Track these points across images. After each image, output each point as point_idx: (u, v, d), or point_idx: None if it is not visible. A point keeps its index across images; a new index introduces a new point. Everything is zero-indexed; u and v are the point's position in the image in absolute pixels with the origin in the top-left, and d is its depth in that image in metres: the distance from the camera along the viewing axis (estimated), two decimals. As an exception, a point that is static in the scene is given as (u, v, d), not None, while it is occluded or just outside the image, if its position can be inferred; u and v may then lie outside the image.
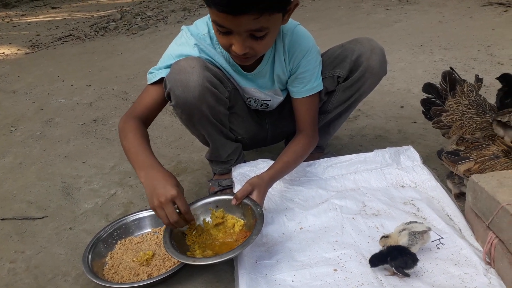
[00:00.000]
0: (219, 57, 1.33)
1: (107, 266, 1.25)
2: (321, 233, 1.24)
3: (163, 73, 1.28)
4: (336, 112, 1.51)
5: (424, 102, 1.62)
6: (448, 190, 1.37)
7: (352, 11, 4.45)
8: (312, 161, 1.54)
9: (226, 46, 1.16)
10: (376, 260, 1.07)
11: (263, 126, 1.59)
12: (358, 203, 1.34)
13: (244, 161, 1.56)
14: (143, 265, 1.23)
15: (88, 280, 1.20)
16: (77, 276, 1.26)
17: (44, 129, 2.36)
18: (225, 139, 1.45)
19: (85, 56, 3.96)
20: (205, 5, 1.09)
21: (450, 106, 1.51)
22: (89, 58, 3.85)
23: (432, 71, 2.53)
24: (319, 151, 1.64)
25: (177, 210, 1.11)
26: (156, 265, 1.23)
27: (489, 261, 1.07)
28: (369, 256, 1.10)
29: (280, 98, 1.48)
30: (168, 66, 1.28)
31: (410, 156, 1.52)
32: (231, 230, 1.23)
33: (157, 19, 5.30)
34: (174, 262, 1.22)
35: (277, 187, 1.43)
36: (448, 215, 1.27)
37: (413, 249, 1.08)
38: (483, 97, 1.52)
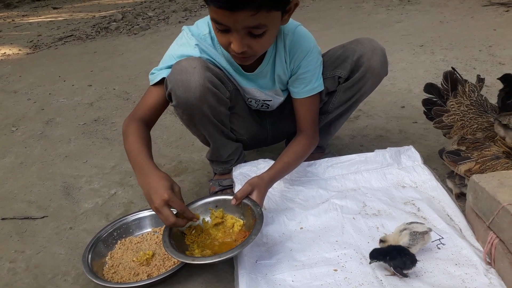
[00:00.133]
0: (220, 57, 1.33)
1: (107, 266, 1.25)
2: (321, 233, 1.24)
3: (164, 74, 1.28)
4: (337, 113, 1.51)
5: (425, 102, 1.62)
6: (449, 190, 1.37)
7: (353, 11, 4.45)
8: (312, 161, 1.53)
9: (225, 44, 1.16)
10: (377, 254, 1.07)
11: (263, 126, 1.59)
12: (358, 203, 1.34)
13: (245, 161, 1.56)
14: (143, 265, 1.23)
15: (88, 280, 1.20)
16: (77, 276, 1.26)
17: (45, 129, 2.37)
18: (225, 139, 1.45)
19: (86, 56, 3.97)
20: (206, 5, 1.09)
21: (452, 106, 1.50)
22: (90, 58, 3.86)
23: (433, 71, 2.53)
24: (320, 151, 1.64)
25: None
26: (156, 265, 1.23)
27: (489, 261, 1.06)
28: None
29: (280, 99, 1.48)
30: (169, 67, 1.28)
31: (411, 156, 1.51)
32: (231, 230, 1.23)
33: (158, 19, 5.31)
34: (174, 262, 1.22)
35: (278, 187, 1.43)
36: (448, 215, 1.26)
37: (413, 250, 1.07)
38: (485, 97, 1.51)
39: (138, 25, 5.06)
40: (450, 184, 1.37)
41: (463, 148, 1.38)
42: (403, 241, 1.08)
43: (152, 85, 1.32)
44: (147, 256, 1.24)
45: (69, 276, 1.27)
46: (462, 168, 1.31)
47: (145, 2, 6.79)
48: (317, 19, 4.29)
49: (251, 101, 1.47)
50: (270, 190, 1.31)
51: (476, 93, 1.50)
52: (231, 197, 1.24)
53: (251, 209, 1.20)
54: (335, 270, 1.10)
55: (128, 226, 1.37)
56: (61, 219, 1.55)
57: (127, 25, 5.16)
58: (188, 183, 1.69)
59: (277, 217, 1.32)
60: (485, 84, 1.64)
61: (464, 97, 1.49)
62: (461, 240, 1.14)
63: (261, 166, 1.49)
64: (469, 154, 1.33)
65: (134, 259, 1.25)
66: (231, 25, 1.07)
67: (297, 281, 1.08)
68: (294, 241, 1.22)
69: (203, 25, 1.33)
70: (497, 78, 1.52)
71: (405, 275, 1.04)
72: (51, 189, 1.76)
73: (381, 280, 1.05)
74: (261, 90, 1.41)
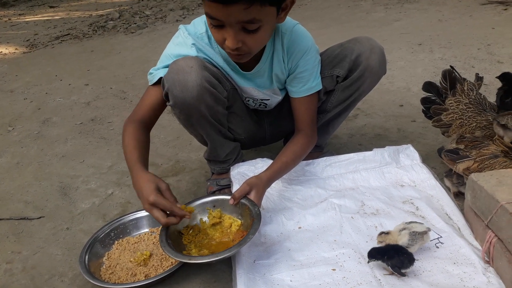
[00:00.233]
0: (217, 57, 1.33)
1: (104, 267, 1.25)
2: (319, 232, 1.24)
3: (162, 73, 1.27)
4: (335, 112, 1.50)
5: (424, 100, 1.62)
6: (447, 189, 1.36)
7: (352, 10, 4.44)
8: (311, 160, 1.53)
9: (219, 41, 1.15)
10: (375, 253, 1.07)
11: (261, 125, 1.58)
12: (357, 202, 1.34)
13: (243, 161, 1.55)
14: (140, 266, 1.22)
15: (85, 280, 1.19)
16: (74, 277, 1.25)
17: (41, 129, 2.36)
18: (223, 138, 1.44)
19: (83, 55, 3.95)
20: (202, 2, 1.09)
21: (450, 104, 1.50)
22: (87, 57, 3.84)
23: (432, 70, 2.53)
24: (318, 150, 1.63)
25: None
26: (153, 265, 1.22)
27: (488, 260, 1.06)
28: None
29: (278, 98, 1.47)
30: (167, 66, 1.27)
31: (409, 155, 1.51)
32: (228, 230, 1.22)
33: (156, 18, 5.29)
34: (171, 262, 1.22)
35: (276, 186, 1.42)
36: (447, 214, 1.26)
37: (412, 249, 1.07)
38: (483, 95, 1.51)
39: (135, 23, 5.04)
40: (447, 183, 1.37)
41: (462, 146, 1.38)
42: (402, 241, 1.08)
43: (150, 85, 1.32)
44: (145, 256, 1.24)
45: (66, 277, 1.26)
46: (460, 167, 1.30)
47: (142, 0, 6.77)
48: (315, 17, 4.29)
49: (248, 100, 1.46)
50: (268, 189, 1.31)
51: (474, 92, 1.50)
52: (229, 197, 1.24)
53: (249, 209, 1.19)
54: (334, 269, 1.09)
55: (125, 227, 1.37)
56: (57, 219, 1.54)
57: (124, 23, 5.14)
58: (186, 182, 1.68)
59: (275, 216, 1.31)
60: (484, 82, 1.64)
61: (463, 96, 1.49)
62: (460, 239, 1.13)
63: (259, 165, 1.48)
64: (467, 153, 1.33)
65: (131, 259, 1.25)
66: (224, 19, 1.06)
67: (295, 281, 1.07)
68: (292, 240, 1.22)
69: (200, 23, 1.32)
70: (496, 77, 1.52)
71: (403, 274, 1.04)
72: (48, 189, 1.75)
73: (380, 280, 1.05)
74: (258, 89, 1.41)
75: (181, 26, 1.34)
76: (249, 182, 1.23)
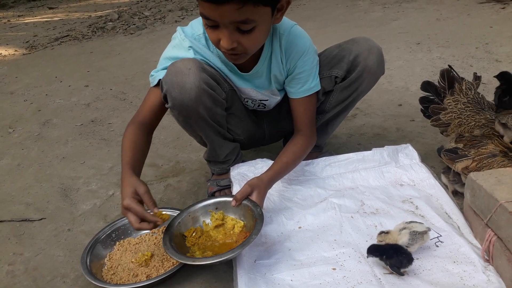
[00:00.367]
0: (215, 58, 1.33)
1: (105, 268, 1.25)
2: (319, 232, 1.24)
3: (161, 75, 1.28)
4: (334, 112, 1.51)
5: (422, 100, 1.62)
6: (444, 185, 1.37)
7: (350, 10, 4.45)
8: (310, 160, 1.53)
9: (215, 41, 1.15)
10: (374, 250, 1.07)
11: (261, 126, 1.59)
12: (356, 202, 1.34)
13: (242, 161, 1.55)
14: (142, 266, 1.23)
15: (87, 281, 1.20)
16: (76, 278, 1.26)
17: (42, 130, 2.36)
18: (222, 139, 1.45)
19: (83, 56, 3.96)
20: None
21: (449, 104, 1.51)
22: (86, 59, 3.85)
23: (430, 69, 2.54)
24: (317, 151, 1.64)
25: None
26: (155, 266, 1.23)
27: (487, 258, 1.07)
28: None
29: (277, 98, 1.48)
30: (165, 68, 1.27)
31: (408, 154, 1.52)
32: (231, 232, 1.22)
33: (155, 19, 5.30)
34: (173, 262, 1.22)
35: (276, 186, 1.42)
36: (446, 213, 1.27)
37: (412, 249, 1.07)
38: (482, 95, 1.52)
39: (134, 24, 5.05)
40: (444, 179, 1.38)
41: (461, 145, 1.38)
42: (403, 240, 1.08)
43: (152, 86, 1.33)
44: (146, 257, 1.24)
45: (68, 278, 1.26)
46: (459, 166, 1.31)
47: (141, 1, 6.77)
48: (313, 17, 4.29)
49: (247, 101, 1.47)
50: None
51: (473, 91, 1.51)
52: (230, 199, 1.24)
53: (251, 210, 1.20)
54: (334, 269, 1.10)
55: (127, 227, 1.37)
56: (59, 221, 1.54)
57: (123, 24, 5.15)
58: (186, 183, 1.69)
59: (275, 216, 1.32)
60: (482, 81, 1.65)
61: (461, 95, 1.50)
62: (459, 238, 1.14)
63: (258, 166, 1.49)
64: (466, 152, 1.33)
65: (133, 260, 1.25)
66: (218, 19, 1.07)
67: (296, 281, 1.08)
68: (292, 240, 1.22)
69: (198, 25, 1.32)
70: (494, 76, 1.52)
71: (402, 274, 1.04)
72: (49, 190, 1.75)
73: (380, 279, 1.05)
74: (257, 90, 1.41)
75: (178, 28, 1.34)
76: (251, 183, 1.23)
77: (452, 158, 1.34)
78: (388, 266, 1.05)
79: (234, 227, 1.23)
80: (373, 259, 1.08)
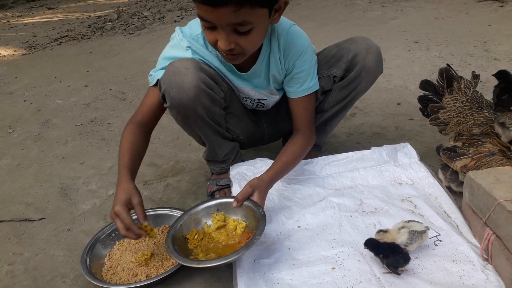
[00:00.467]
0: (213, 58, 1.33)
1: (105, 267, 1.25)
2: (319, 231, 1.25)
3: (160, 75, 1.28)
4: (333, 111, 1.51)
5: (421, 99, 1.62)
6: (439, 180, 1.37)
7: (349, 9, 4.45)
8: (309, 160, 1.54)
9: (212, 42, 1.15)
10: (370, 244, 1.08)
11: (260, 125, 1.59)
12: (355, 201, 1.35)
13: (242, 160, 1.56)
14: (141, 266, 1.23)
15: (87, 281, 1.20)
16: (76, 278, 1.26)
17: (41, 130, 2.36)
18: (221, 139, 1.45)
19: (82, 56, 3.96)
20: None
21: (447, 102, 1.51)
22: (86, 59, 3.85)
23: (429, 68, 2.54)
24: (317, 150, 1.64)
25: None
26: (154, 265, 1.23)
27: (486, 257, 1.07)
28: (367, 253, 1.10)
29: (276, 97, 1.48)
30: (164, 68, 1.28)
31: (407, 153, 1.52)
32: (233, 233, 1.22)
33: (154, 19, 5.30)
34: (172, 262, 1.22)
35: (275, 185, 1.42)
36: (445, 212, 1.27)
37: (410, 248, 1.08)
38: (480, 93, 1.52)
39: (133, 24, 5.05)
40: (441, 175, 1.39)
41: (460, 144, 1.39)
42: (402, 239, 1.08)
43: (151, 86, 1.33)
44: (146, 256, 1.24)
45: (68, 278, 1.27)
46: (457, 164, 1.31)
47: (140, 1, 6.77)
48: (312, 16, 4.29)
49: (246, 101, 1.47)
50: (267, 189, 1.31)
51: (471, 90, 1.51)
52: (232, 200, 1.23)
53: (252, 210, 1.20)
54: (333, 268, 1.10)
55: (126, 227, 1.37)
56: (59, 220, 1.55)
57: (122, 24, 5.15)
58: (186, 183, 1.69)
59: (275, 216, 1.32)
60: (481, 80, 1.65)
61: (460, 94, 1.50)
62: (458, 237, 1.14)
63: (258, 165, 1.49)
64: (465, 151, 1.33)
65: (132, 259, 1.26)
66: (215, 21, 1.07)
67: (295, 280, 1.08)
68: (292, 239, 1.23)
69: (196, 25, 1.32)
70: (492, 75, 1.52)
71: (398, 273, 1.04)
72: (49, 190, 1.75)
73: (379, 278, 1.06)
74: (255, 90, 1.41)
75: (177, 28, 1.34)
76: (251, 183, 1.23)
77: (451, 157, 1.35)
78: (385, 265, 1.05)
79: (236, 228, 1.22)
80: (369, 253, 1.09)
